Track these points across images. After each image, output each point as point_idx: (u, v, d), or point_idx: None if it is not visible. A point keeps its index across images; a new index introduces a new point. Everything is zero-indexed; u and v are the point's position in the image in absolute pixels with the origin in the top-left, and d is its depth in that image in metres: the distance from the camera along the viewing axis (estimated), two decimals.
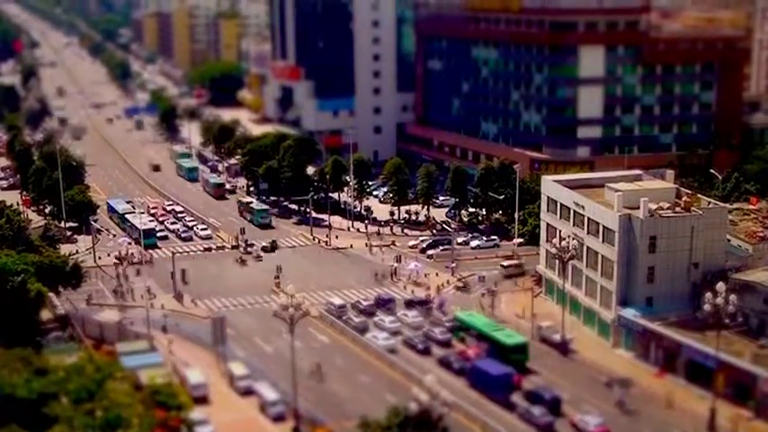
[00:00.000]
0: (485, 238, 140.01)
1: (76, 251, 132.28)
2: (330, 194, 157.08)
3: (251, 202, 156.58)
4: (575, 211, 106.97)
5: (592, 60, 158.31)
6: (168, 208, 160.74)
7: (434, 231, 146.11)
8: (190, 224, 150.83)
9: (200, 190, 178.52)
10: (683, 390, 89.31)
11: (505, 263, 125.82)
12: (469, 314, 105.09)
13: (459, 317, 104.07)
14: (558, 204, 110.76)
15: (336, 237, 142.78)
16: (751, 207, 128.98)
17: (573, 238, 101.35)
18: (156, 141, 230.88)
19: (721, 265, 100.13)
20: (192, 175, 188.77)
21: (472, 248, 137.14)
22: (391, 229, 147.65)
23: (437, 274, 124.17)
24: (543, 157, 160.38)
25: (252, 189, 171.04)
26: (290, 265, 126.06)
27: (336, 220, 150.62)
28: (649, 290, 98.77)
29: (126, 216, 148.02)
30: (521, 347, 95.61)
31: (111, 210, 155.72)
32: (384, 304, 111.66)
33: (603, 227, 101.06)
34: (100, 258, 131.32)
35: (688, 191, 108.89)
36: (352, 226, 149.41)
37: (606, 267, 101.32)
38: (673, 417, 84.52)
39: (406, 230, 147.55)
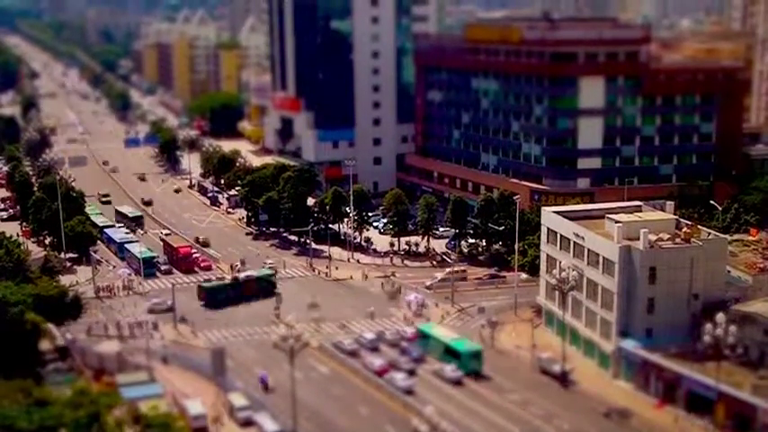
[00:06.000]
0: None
1: (76, 282, 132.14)
2: (330, 225, 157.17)
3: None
4: (575, 243, 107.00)
5: (592, 91, 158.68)
6: None
7: (434, 262, 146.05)
8: None
9: (201, 219, 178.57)
10: (683, 421, 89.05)
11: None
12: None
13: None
14: (558, 235, 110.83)
15: (336, 268, 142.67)
16: (751, 238, 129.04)
17: (573, 270, 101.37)
18: (156, 173, 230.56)
19: (721, 297, 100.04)
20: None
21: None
22: (391, 260, 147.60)
23: (437, 305, 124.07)
24: (543, 189, 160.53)
25: (252, 220, 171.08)
26: (289, 297, 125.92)
27: (336, 252, 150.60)
28: (649, 321, 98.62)
29: (125, 245, 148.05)
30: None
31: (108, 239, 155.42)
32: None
33: (603, 258, 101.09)
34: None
35: (688, 222, 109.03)
36: (353, 257, 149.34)
37: (606, 298, 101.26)
38: None
39: (405, 262, 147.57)
